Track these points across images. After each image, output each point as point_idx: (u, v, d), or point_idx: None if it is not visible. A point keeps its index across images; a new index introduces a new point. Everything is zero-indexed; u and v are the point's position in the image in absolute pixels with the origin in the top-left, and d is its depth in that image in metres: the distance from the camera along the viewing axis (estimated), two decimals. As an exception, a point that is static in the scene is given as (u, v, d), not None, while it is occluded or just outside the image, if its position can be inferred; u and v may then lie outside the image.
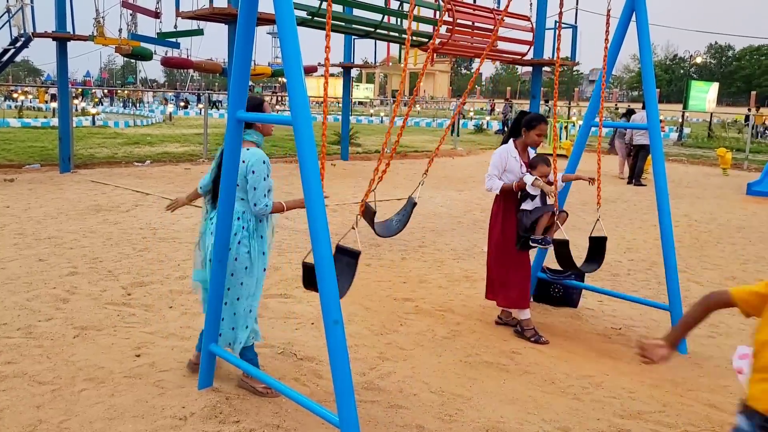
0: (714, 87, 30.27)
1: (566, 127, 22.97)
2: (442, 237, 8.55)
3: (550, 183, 4.99)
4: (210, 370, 3.90)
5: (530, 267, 5.14)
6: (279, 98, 41.92)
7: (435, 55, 14.09)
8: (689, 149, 24.07)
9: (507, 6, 5.17)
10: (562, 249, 5.08)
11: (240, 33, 3.31)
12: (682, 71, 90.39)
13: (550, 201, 5.02)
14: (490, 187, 5.02)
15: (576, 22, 15.17)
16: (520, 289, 5.00)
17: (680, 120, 30.46)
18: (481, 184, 5.57)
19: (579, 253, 5.67)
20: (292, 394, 3.34)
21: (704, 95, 29.07)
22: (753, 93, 30.72)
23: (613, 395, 4.10)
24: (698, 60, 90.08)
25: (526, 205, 4.97)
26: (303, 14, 10.38)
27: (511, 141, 5.09)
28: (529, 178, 4.88)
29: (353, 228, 3.84)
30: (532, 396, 4.05)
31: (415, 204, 4.47)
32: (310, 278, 3.29)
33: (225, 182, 3.51)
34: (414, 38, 13.38)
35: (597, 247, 5.34)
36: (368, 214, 4.39)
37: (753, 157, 19.39)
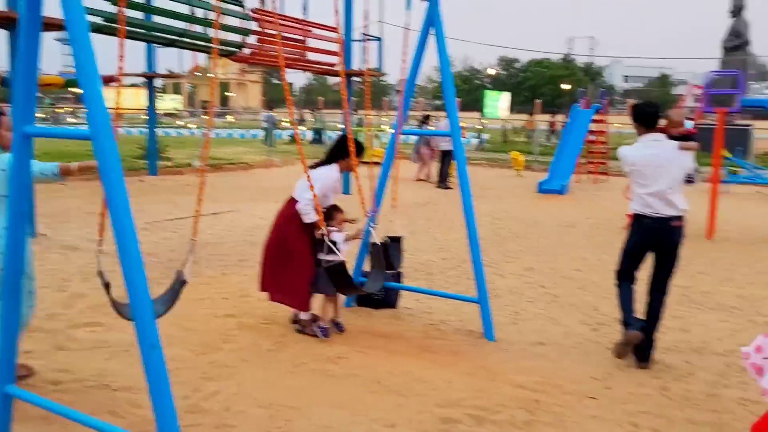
0: (505, 96, 33.21)
1: (377, 136, 23.81)
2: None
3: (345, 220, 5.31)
4: (5, 414, 3.49)
5: (312, 271, 5.11)
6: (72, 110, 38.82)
7: (246, 65, 13.88)
8: (488, 154, 26.08)
9: (336, 21, 5.22)
10: (380, 253, 5.27)
11: (23, 40, 3.02)
12: (478, 82, 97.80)
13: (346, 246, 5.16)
14: (307, 213, 5.05)
15: (381, 34, 15.82)
16: (303, 291, 5.12)
17: (479, 127, 32.94)
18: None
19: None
20: (107, 428, 3.11)
21: (497, 103, 31.75)
22: (538, 102, 34.18)
23: (434, 387, 4.33)
24: (491, 72, 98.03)
25: (329, 255, 4.89)
26: (98, 20, 9.71)
27: (334, 165, 5.20)
28: (339, 236, 5.03)
29: (189, 255, 3.73)
30: (360, 398, 4.15)
31: (184, 282, 3.74)
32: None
33: (15, 200, 3.21)
34: (222, 48, 13.10)
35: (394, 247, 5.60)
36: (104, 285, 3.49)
37: (542, 158, 21.51)
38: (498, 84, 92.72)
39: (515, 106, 48.93)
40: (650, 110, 4.87)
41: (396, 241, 5.66)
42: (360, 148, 5.32)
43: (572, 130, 17.13)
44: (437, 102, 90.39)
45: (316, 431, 3.69)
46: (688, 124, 8.40)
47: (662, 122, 5.04)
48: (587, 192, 15.67)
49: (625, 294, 4.97)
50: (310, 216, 5.03)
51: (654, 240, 4.78)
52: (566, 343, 5.31)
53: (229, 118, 52.05)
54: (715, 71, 15.22)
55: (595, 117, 17.56)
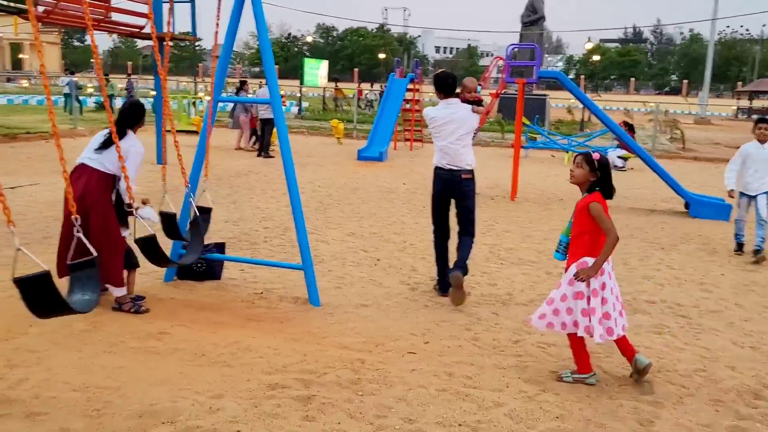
0: (324, 64, 33.29)
1: (194, 103, 22.84)
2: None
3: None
4: None
5: (124, 245, 5.15)
6: None
7: (41, 25, 12.63)
8: (309, 122, 26.14)
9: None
10: (149, 246, 4.64)
11: None
12: (296, 49, 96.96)
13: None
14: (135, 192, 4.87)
15: (193, -3, 15.06)
16: (119, 267, 5.05)
17: (299, 94, 32.81)
18: None
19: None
20: None
21: (317, 71, 31.80)
22: (355, 70, 34.82)
23: (260, 355, 4.37)
24: (309, 39, 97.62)
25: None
26: None
27: (132, 134, 5.00)
28: (150, 212, 5.06)
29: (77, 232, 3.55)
30: (184, 372, 4.07)
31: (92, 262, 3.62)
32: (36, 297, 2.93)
33: None
34: (9, 4, 11.77)
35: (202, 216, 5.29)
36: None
37: (360, 126, 22.00)
38: (316, 52, 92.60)
39: (333, 75, 49.31)
40: (449, 80, 5.72)
41: (205, 212, 5.41)
42: (143, 113, 5.21)
43: (389, 98, 17.69)
44: (256, 69, 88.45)
45: (138, 410, 3.57)
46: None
47: (458, 89, 5.94)
48: (404, 159, 16.36)
49: (440, 251, 5.84)
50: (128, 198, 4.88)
51: (449, 188, 5.66)
52: (387, 303, 5.59)
53: (24, 83, 47.00)
54: (515, 44, 16.49)
55: (410, 86, 18.29)
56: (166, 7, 13.03)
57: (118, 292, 5.06)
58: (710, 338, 5.08)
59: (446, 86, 5.68)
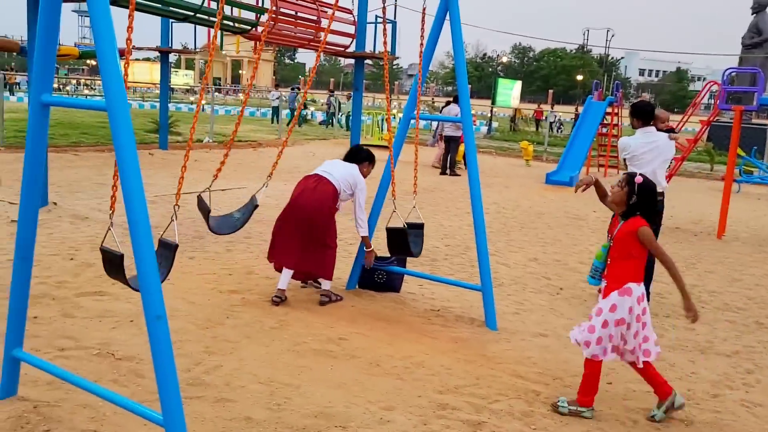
0: (518, 85, 32.99)
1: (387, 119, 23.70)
2: (268, 228, 8.44)
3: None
4: (13, 377, 3.55)
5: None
6: (87, 83, 38.77)
7: (258, 43, 13.85)
8: (497, 142, 25.98)
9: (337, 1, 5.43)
10: (399, 237, 5.79)
11: (44, 8, 3.03)
12: (490, 69, 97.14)
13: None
14: (365, 228, 5.74)
15: (395, 18, 15.69)
16: (332, 263, 5.62)
17: (489, 114, 32.79)
18: (306, 174, 5.80)
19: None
20: (110, 395, 3.15)
21: (509, 92, 31.57)
22: (550, 91, 34.07)
23: (433, 373, 4.36)
24: (504, 59, 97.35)
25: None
26: (115, -8, 9.68)
27: (357, 168, 5.79)
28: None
29: (173, 220, 4.15)
30: (358, 379, 4.18)
31: (256, 206, 5.12)
32: (111, 267, 3.38)
33: (29, 168, 3.22)
34: (236, 25, 13.08)
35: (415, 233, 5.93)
36: (203, 209, 4.67)
37: (551, 149, 21.41)
38: (510, 72, 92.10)
39: (526, 95, 48.64)
40: (648, 108, 6.04)
41: (418, 227, 5.91)
42: (372, 157, 6.00)
43: (584, 122, 17.02)
44: (448, 88, 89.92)
45: (314, 410, 3.72)
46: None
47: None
48: (596, 185, 15.58)
49: None
50: (365, 230, 5.73)
51: None
52: (568, 336, 5.30)
53: (240, 96, 52.14)
54: (734, 68, 15.06)
55: (609, 110, 17.44)
56: (370, 27, 13.72)
57: (328, 284, 5.64)
58: None
59: (644, 114, 5.93)
